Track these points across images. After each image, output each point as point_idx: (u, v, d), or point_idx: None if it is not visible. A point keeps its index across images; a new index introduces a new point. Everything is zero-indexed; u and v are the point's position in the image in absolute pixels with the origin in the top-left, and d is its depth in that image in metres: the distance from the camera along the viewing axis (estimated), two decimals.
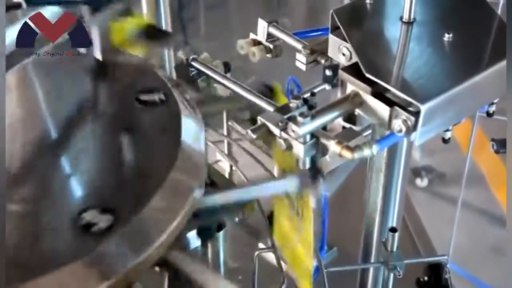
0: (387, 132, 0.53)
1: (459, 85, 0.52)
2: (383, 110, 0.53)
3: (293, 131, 0.51)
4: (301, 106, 0.52)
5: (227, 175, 0.81)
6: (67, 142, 0.51)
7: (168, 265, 0.47)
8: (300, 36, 0.65)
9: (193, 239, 0.55)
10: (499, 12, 0.63)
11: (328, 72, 0.64)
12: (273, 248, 0.60)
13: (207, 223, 0.51)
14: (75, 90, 0.56)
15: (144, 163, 0.48)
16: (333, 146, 0.50)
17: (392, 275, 0.70)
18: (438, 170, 1.84)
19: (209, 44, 1.75)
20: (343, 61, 0.59)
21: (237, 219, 0.56)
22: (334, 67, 0.64)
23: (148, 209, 0.44)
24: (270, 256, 0.61)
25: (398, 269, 0.69)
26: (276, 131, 0.52)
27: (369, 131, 0.67)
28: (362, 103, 0.54)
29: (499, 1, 0.77)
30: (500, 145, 0.81)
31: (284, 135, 0.51)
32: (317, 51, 0.63)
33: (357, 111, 0.55)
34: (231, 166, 0.81)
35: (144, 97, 0.53)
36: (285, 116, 0.51)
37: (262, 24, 0.65)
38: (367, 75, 0.53)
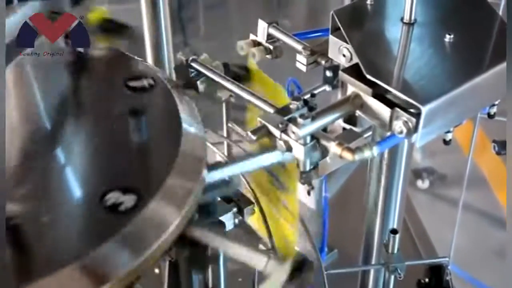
0: (388, 134, 0.53)
1: (460, 87, 0.52)
2: (383, 111, 0.52)
3: (293, 132, 0.50)
4: (302, 107, 0.52)
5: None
6: (67, 133, 0.52)
7: (190, 242, 0.48)
8: (300, 37, 0.64)
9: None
10: (500, 13, 0.63)
11: (328, 73, 0.64)
12: (273, 250, 0.60)
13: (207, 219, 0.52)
14: (64, 83, 0.56)
15: (151, 145, 0.49)
16: (333, 147, 0.50)
17: (393, 277, 0.70)
18: (439, 172, 1.84)
19: (208, 44, 1.75)
20: (343, 62, 0.58)
21: (236, 220, 0.55)
22: (335, 68, 0.63)
23: (166, 186, 0.45)
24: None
25: (399, 271, 0.68)
26: (276, 132, 0.51)
27: (370, 133, 0.67)
28: (362, 105, 0.54)
29: (500, 2, 0.76)
30: (502, 146, 0.80)
31: (284, 136, 0.51)
32: (318, 52, 0.63)
33: (358, 113, 0.55)
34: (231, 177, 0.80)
35: (133, 83, 0.54)
36: (285, 118, 0.51)
37: (262, 25, 0.65)
38: (368, 76, 0.53)
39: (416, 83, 0.52)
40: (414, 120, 0.50)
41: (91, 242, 0.41)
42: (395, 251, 0.68)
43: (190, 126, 0.52)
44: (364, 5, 0.61)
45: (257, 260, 0.46)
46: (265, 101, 0.56)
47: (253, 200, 0.60)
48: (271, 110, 0.54)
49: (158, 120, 0.52)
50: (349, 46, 0.57)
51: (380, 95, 0.53)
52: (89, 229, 0.43)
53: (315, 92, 0.66)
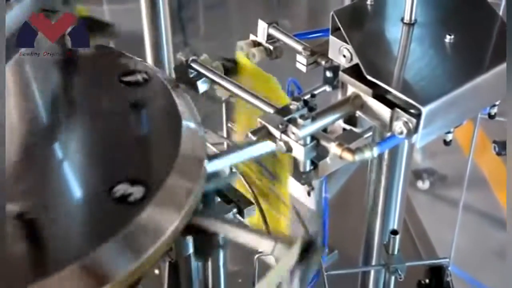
0: (388, 134, 0.53)
1: (460, 87, 0.52)
2: (384, 112, 0.52)
3: (293, 133, 0.50)
4: (302, 108, 0.51)
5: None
6: (68, 129, 0.52)
7: (196, 231, 0.48)
8: (300, 38, 0.64)
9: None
10: (500, 13, 0.63)
11: (328, 74, 0.64)
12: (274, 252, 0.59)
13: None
14: (60, 81, 0.56)
15: (153, 138, 0.50)
16: (333, 148, 0.50)
17: (393, 278, 0.70)
18: (439, 173, 1.84)
19: (208, 44, 1.75)
20: (343, 62, 0.58)
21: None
22: (335, 69, 0.63)
23: (171, 178, 0.46)
24: (271, 260, 0.61)
25: (399, 272, 0.68)
26: (276, 133, 0.51)
27: (370, 133, 0.67)
28: (362, 105, 0.54)
29: (500, 2, 0.76)
30: (502, 147, 0.80)
31: (284, 137, 0.51)
32: (318, 52, 0.62)
33: (358, 113, 0.55)
34: (230, 168, 0.80)
35: (128, 78, 0.54)
36: (285, 118, 0.51)
37: (262, 25, 0.65)
38: (368, 76, 0.52)
39: (416, 83, 0.52)
40: (414, 120, 0.50)
41: (103, 234, 0.42)
42: (396, 252, 0.68)
43: (188, 121, 0.52)
44: (364, 5, 0.61)
45: (265, 245, 0.46)
46: (264, 102, 0.56)
47: (253, 201, 0.60)
48: (271, 111, 0.54)
49: (157, 113, 0.53)
50: (349, 46, 0.57)
51: (380, 95, 0.53)
52: (101, 221, 0.43)
53: (315, 92, 0.66)
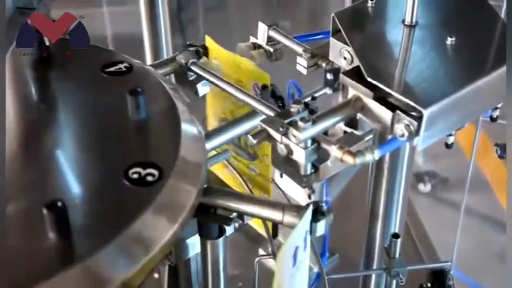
0: (389, 137, 0.53)
1: (462, 90, 0.52)
2: (385, 114, 0.52)
3: (294, 136, 0.50)
4: (302, 110, 0.51)
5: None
6: (67, 120, 0.52)
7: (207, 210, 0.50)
8: (300, 40, 0.64)
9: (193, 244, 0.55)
10: (502, 15, 0.63)
11: (329, 76, 0.63)
12: (273, 255, 0.59)
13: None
14: (49, 78, 0.57)
15: (154, 123, 0.50)
16: (334, 151, 0.50)
17: (394, 282, 0.70)
18: (441, 175, 1.83)
19: None
20: (344, 65, 0.58)
21: (237, 224, 0.55)
22: (335, 71, 0.63)
23: (180, 160, 0.46)
24: (271, 263, 0.60)
25: (401, 275, 0.68)
26: (277, 136, 0.51)
27: (371, 136, 0.67)
28: (363, 108, 0.54)
29: (502, 4, 0.76)
30: (504, 150, 0.80)
31: (285, 140, 0.51)
32: (318, 54, 0.62)
33: (359, 116, 0.54)
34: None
35: (111, 69, 0.55)
36: (286, 121, 0.51)
37: (262, 28, 0.65)
38: (369, 79, 0.52)
39: (417, 86, 0.52)
40: (415, 123, 0.50)
41: (129, 215, 0.42)
42: (397, 255, 0.68)
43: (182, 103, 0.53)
44: (365, 7, 0.61)
45: (275, 215, 0.48)
46: (266, 105, 0.55)
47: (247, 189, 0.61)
48: (272, 114, 0.54)
49: (152, 101, 0.53)
50: (350, 48, 0.57)
51: (381, 98, 0.52)
52: (123, 203, 0.44)
53: (316, 95, 0.65)
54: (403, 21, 0.58)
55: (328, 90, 0.67)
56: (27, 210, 0.42)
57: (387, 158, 0.68)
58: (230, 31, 1.86)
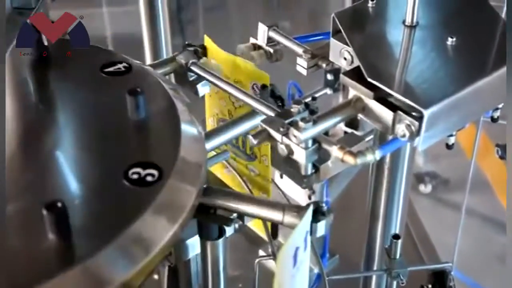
0: (390, 137, 0.53)
1: (463, 90, 0.51)
2: (386, 114, 0.52)
3: (294, 136, 0.50)
4: (303, 111, 0.51)
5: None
6: (66, 120, 0.52)
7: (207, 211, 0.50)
8: (300, 41, 0.64)
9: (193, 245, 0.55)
10: (503, 15, 0.63)
11: (329, 77, 0.63)
12: (274, 255, 0.59)
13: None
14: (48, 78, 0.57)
15: (153, 123, 0.50)
16: (335, 151, 0.49)
17: (395, 283, 0.69)
18: (442, 176, 1.83)
19: None
20: (344, 65, 0.58)
21: (237, 225, 0.55)
22: (336, 72, 0.63)
23: (180, 160, 0.46)
24: (271, 264, 0.60)
25: (401, 276, 0.68)
26: (277, 136, 0.51)
27: (372, 136, 0.66)
28: (364, 108, 0.53)
29: (503, 4, 0.76)
30: (505, 150, 0.79)
31: (285, 140, 0.50)
32: (318, 55, 0.62)
33: (360, 116, 0.54)
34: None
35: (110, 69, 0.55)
36: (287, 121, 0.51)
37: (262, 28, 0.64)
38: (369, 79, 0.52)
39: (418, 86, 0.52)
40: (416, 123, 0.50)
41: (129, 215, 0.42)
42: (397, 256, 0.68)
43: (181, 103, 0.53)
44: (365, 7, 0.61)
45: (275, 215, 0.48)
46: (266, 105, 0.55)
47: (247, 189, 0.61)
48: (272, 114, 0.54)
49: (152, 100, 0.52)
50: (350, 49, 0.56)
51: (382, 98, 0.52)
52: (123, 204, 0.44)
53: (316, 95, 0.65)
54: (404, 22, 0.58)
55: (328, 91, 0.67)
56: (27, 210, 0.42)
57: (387, 159, 0.68)
58: (230, 31, 1.86)
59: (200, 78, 0.62)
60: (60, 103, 0.54)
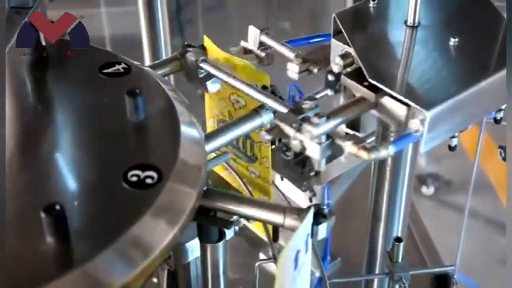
0: (391, 138, 0.52)
1: (465, 91, 0.51)
2: (399, 110, 0.51)
3: (307, 131, 0.49)
4: (315, 107, 0.50)
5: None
6: (65, 122, 0.52)
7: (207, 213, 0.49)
8: (300, 43, 0.63)
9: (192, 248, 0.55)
10: (505, 16, 0.62)
11: (330, 78, 0.63)
12: (274, 259, 0.59)
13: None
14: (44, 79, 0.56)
15: (152, 124, 0.50)
16: (349, 147, 0.49)
17: (397, 286, 0.69)
18: (444, 178, 1.82)
19: None
20: (336, 70, 0.57)
21: (237, 228, 0.55)
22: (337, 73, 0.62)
23: (179, 162, 0.46)
24: (272, 267, 0.60)
25: (404, 280, 0.67)
26: (290, 132, 0.50)
27: (373, 138, 0.66)
28: (377, 104, 0.53)
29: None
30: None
31: (299, 136, 0.50)
32: (310, 60, 0.61)
33: (373, 112, 0.53)
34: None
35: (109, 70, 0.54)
36: (299, 117, 0.50)
37: (253, 32, 0.64)
38: (371, 80, 0.51)
39: (420, 87, 0.51)
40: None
41: (128, 218, 0.41)
42: (400, 259, 0.67)
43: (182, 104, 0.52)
44: (366, 7, 0.60)
45: (276, 218, 0.48)
46: (277, 101, 0.55)
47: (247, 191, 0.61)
48: (283, 109, 0.53)
49: (151, 101, 0.52)
50: (351, 49, 0.56)
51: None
52: (122, 206, 0.43)
53: (317, 96, 0.65)
54: (406, 22, 0.58)
55: (329, 92, 0.66)
56: (25, 213, 0.42)
57: (389, 161, 0.67)
58: (229, 31, 1.85)
59: (209, 76, 0.61)
60: (59, 104, 0.54)
